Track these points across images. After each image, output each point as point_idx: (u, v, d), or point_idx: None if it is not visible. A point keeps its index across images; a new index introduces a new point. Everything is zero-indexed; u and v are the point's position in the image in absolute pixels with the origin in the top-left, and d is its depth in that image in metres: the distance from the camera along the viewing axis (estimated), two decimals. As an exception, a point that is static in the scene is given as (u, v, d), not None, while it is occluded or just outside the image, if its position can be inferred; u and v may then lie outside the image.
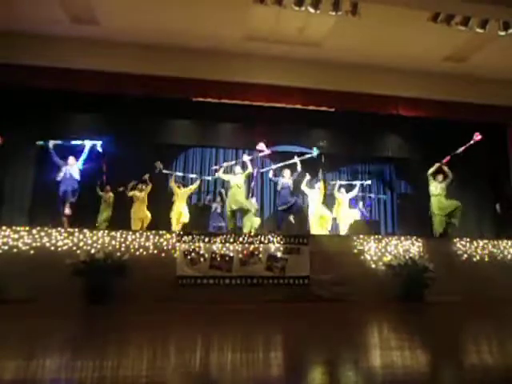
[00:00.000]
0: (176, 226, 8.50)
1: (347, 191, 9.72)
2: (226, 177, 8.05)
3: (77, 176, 7.33)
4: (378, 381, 2.54)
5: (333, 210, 9.37)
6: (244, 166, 7.92)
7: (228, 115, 9.49)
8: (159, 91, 7.93)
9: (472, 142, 8.10)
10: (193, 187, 9.17)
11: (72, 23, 7.14)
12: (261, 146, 8.16)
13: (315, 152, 8.47)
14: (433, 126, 9.51)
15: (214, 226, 9.11)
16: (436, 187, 8.09)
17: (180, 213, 8.69)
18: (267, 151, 8.20)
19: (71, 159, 7.42)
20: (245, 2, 6.36)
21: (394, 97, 8.59)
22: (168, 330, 4.23)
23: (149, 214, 8.87)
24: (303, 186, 8.73)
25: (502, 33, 6.57)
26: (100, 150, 7.63)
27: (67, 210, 7.12)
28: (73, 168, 7.36)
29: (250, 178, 8.60)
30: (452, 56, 8.07)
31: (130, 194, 8.87)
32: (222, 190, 9.90)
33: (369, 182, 10.76)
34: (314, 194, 8.76)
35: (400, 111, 8.69)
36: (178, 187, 8.99)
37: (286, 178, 8.07)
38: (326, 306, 6.35)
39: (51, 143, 7.36)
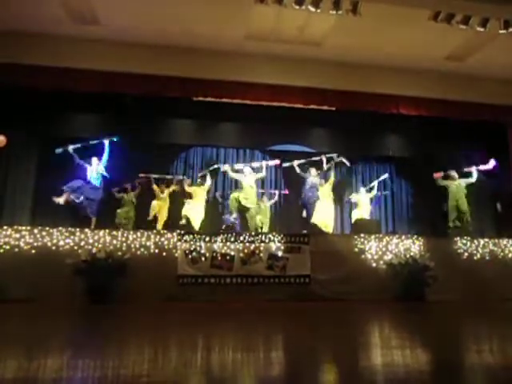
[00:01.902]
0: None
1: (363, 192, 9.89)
2: (236, 176, 8.14)
3: (98, 181, 7.46)
4: (378, 379, 2.55)
5: (353, 212, 9.52)
6: (257, 170, 8.15)
7: (229, 115, 9.50)
8: (160, 91, 7.93)
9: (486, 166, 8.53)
10: (207, 185, 9.11)
11: (72, 23, 7.14)
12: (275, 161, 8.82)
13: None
14: (434, 125, 9.51)
15: (227, 219, 9.15)
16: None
17: (192, 213, 8.70)
18: (277, 162, 8.82)
19: (94, 160, 7.53)
20: (246, 2, 6.36)
21: (395, 96, 8.58)
22: (169, 329, 4.24)
23: (165, 213, 8.95)
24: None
25: (503, 31, 6.56)
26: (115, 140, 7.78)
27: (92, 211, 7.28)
28: (95, 172, 7.46)
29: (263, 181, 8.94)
30: (453, 55, 8.05)
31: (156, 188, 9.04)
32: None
33: (386, 175, 10.58)
34: (323, 191, 8.76)
35: (401, 110, 8.68)
36: (198, 185, 9.00)
37: (313, 177, 8.24)
38: (327, 304, 6.36)
39: (71, 148, 7.40)
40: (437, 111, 8.79)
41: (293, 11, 6.27)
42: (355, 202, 9.80)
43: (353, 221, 9.51)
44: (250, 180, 7.86)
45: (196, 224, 8.53)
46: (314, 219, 8.36)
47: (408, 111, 8.72)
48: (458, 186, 8.34)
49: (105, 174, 7.54)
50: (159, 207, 8.96)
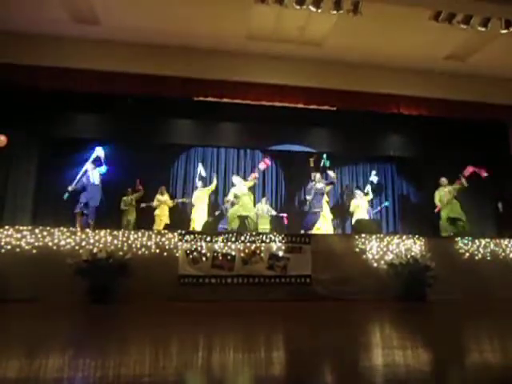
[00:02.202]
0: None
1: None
2: (233, 194, 8.50)
3: (97, 182, 7.75)
4: (379, 380, 2.54)
5: (353, 216, 9.56)
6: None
7: (229, 115, 9.49)
8: (160, 91, 7.91)
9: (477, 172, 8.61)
10: (211, 187, 9.22)
11: (72, 23, 7.13)
12: (263, 163, 9.00)
13: (327, 162, 8.93)
14: (434, 124, 9.51)
15: (221, 228, 9.17)
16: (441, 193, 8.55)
17: (194, 218, 8.80)
18: (268, 163, 9.04)
19: (90, 166, 7.79)
20: (246, 2, 6.35)
21: (396, 95, 8.56)
22: (170, 329, 4.24)
23: (167, 218, 9.00)
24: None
25: (504, 31, 6.56)
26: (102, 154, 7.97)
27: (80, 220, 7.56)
28: (93, 175, 7.73)
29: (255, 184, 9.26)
30: (453, 54, 8.04)
31: (156, 203, 9.13)
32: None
33: (373, 172, 10.64)
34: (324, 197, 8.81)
35: (401, 110, 8.65)
36: (202, 187, 9.22)
37: (318, 182, 8.32)
38: (328, 304, 6.36)
39: (71, 188, 7.67)
40: (437, 111, 8.78)
41: (293, 11, 6.27)
42: (352, 211, 9.80)
43: (353, 221, 9.50)
44: (242, 188, 7.95)
45: (198, 225, 8.56)
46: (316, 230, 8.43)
47: (409, 111, 8.70)
48: (447, 192, 8.49)
49: (97, 183, 7.77)
50: (159, 217, 8.96)
